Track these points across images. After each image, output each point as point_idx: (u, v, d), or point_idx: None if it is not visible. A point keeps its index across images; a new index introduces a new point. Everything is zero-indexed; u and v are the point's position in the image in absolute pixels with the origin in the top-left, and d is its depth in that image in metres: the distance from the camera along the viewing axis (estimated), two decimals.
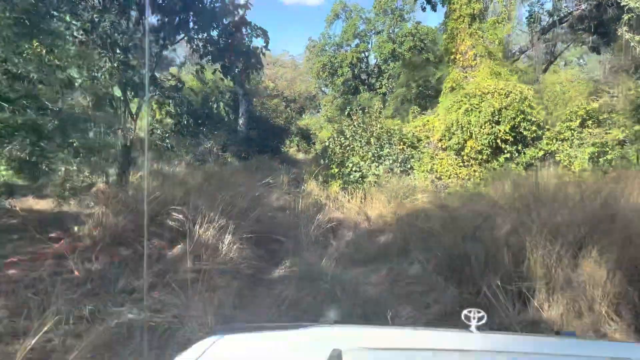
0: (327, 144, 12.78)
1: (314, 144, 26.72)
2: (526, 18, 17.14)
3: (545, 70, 17.67)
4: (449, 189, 11.65)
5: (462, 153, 11.86)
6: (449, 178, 11.87)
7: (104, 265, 6.23)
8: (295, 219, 8.75)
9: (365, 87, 27.58)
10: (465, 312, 1.71)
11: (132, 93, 13.94)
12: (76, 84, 9.91)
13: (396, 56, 26.26)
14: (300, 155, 24.94)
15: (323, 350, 1.31)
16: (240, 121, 20.60)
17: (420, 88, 18.47)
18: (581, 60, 31.19)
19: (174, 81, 14.16)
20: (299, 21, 66.45)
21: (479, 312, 1.68)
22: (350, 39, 27.38)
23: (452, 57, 14.00)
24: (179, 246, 6.30)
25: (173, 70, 19.58)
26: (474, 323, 1.66)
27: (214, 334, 1.59)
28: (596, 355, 1.56)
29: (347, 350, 1.31)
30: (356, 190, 11.24)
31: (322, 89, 32.40)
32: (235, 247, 5.82)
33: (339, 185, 13.04)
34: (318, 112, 35.19)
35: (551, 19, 16.96)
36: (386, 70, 26.41)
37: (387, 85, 26.08)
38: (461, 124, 11.67)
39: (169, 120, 13.93)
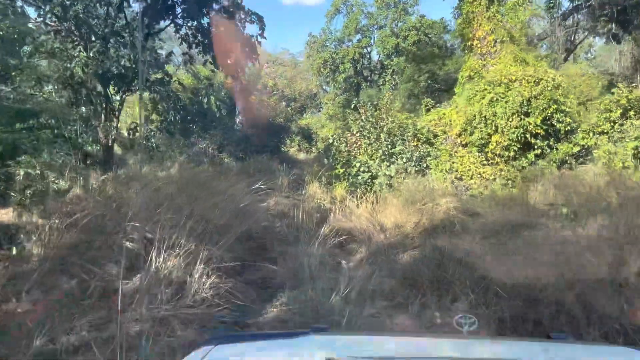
0: (331, 141, 10.92)
1: (315, 143, 24.90)
2: (545, 3, 15.26)
3: (565, 59, 15.81)
4: (472, 191, 9.82)
5: (486, 149, 10.01)
6: (471, 178, 10.02)
7: (32, 305, 4.43)
8: (294, 232, 6.92)
9: (368, 83, 25.74)
10: (457, 317, 1.63)
11: (116, 88, 12.16)
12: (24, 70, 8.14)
13: (400, 51, 24.42)
14: (302, 155, 23.09)
15: (316, 358, 1.28)
16: (237, 119, 18.76)
17: (428, 81, 16.60)
18: (589, 55, 29.36)
19: (161, 74, 12.35)
20: (298, 21, 64.51)
21: (470, 318, 1.60)
22: (352, 34, 25.51)
23: (469, 43, 12.14)
24: (140, 276, 4.47)
25: (169, 68, 17.71)
26: (466, 329, 1.58)
27: (209, 343, 1.50)
28: (588, 359, 1.51)
29: (339, 358, 1.28)
30: (366, 193, 9.42)
31: (323, 87, 30.56)
32: (209, 281, 3.99)
33: (345, 188, 11.24)
34: (319, 111, 33.34)
35: (571, 4, 15.10)
36: (390, 66, 24.56)
37: (390, 81, 24.22)
38: (485, 116, 9.82)
39: (156, 117, 12.12)
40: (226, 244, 4.48)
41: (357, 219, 8.56)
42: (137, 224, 4.62)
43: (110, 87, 11.98)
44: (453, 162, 10.20)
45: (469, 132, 10.11)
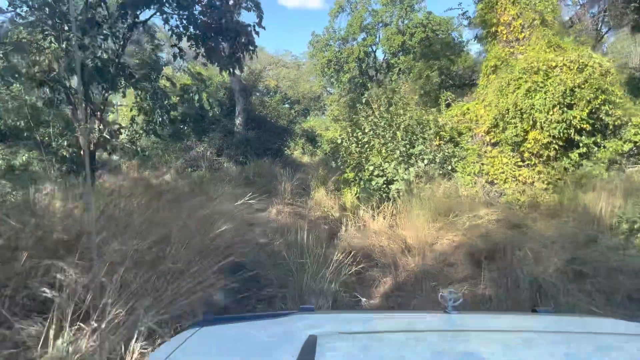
0: (339, 141, 9.21)
1: (320, 146, 23.25)
2: None
3: (593, 49, 14.03)
4: (506, 197, 8.08)
5: (522, 148, 8.28)
6: (505, 182, 8.29)
7: None
8: (298, 255, 5.20)
9: (374, 83, 23.98)
10: (441, 292, 1.60)
11: (102, 86, 10.50)
12: None
13: (406, 49, 22.75)
14: (306, 158, 21.39)
15: (300, 337, 1.22)
16: (237, 121, 17.07)
17: (442, 77, 14.89)
18: (599, 52, 27.58)
19: (147, 69, 10.68)
20: (301, 25, 63.06)
21: (455, 293, 1.56)
22: (356, 33, 23.78)
23: (492, 30, 10.43)
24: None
25: (167, 70, 15.93)
26: (450, 304, 1.53)
27: (195, 325, 1.44)
28: (573, 331, 1.46)
29: (322, 335, 1.23)
30: (382, 202, 7.72)
31: (327, 88, 28.87)
32: None
33: (355, 194, 9.56)
34: (323, 113, 31.65)
35: None
36: (396, 64, 22.83)
37: (397, 80, 22.48)
38: (521, 109, 8.08)
39: (141, 117, 10.45)
40: (189, 298, 2.77)
41: (374, 234, 6.85)
42: (61, 263, 2.93)
43: (92, 85, 10.34)
44: (482, 164, 8.47)
45: (501, 128, 8.38)
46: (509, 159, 8.35)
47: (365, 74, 24.21)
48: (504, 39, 10.27)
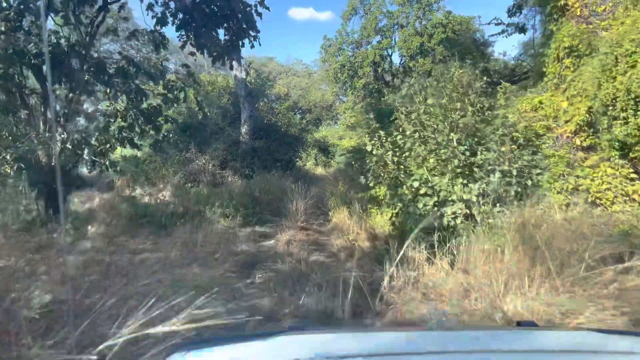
0: (369, 149, 6.50)
1: (333, 156, 20.62)
2: None
3: None
4: (618, 228, 5.29)
5: (635, 154, 5.51)
6: (613, 203, 5.51)
7: None
8: None
9: (390, 89, 21.34)
10: (425, 311, 1.61)
11: (68, 84, 7.97)
12: None
13: (425, 51, 20.11)
14: (320, 170, 18.74)
15: (284, 359, 1.19)
16: (243, 129, 14.50)
17: (476, 72, 12.16)
18: None
19: (124, 62, 8.16)
20: (311, 37, 60.94)
21: (437, 311, 1.56)
22: (371, 36, 21.23)
23: (560, 4, 7.76)
24: None
25: (171, 77, 13.22)
26: (434, 321, 1.58)
27: (181, 349, 1.34)
28: (558, 348, 1.40)
29: (306, 359, 1.18)
30: (438, 235, 5.00)
31: (340, 97, 26.30)
32: None
33: (390, 217, 6.91)
34: (336, 123, 29.06)
35: None
36: (414, 68, 20.17)
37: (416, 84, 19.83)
38: (635, 97, 5.33)
39: (117, 122, 7.92)
40: None
41: (436, 290, 4.12)
42: None
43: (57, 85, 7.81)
44: (578, 177, 5.71)
45: (605, 124, 5.61)
46: (617, 169, 5.57)
47: (381, 79, 21.59)
48: (577, 14, 7.59)
